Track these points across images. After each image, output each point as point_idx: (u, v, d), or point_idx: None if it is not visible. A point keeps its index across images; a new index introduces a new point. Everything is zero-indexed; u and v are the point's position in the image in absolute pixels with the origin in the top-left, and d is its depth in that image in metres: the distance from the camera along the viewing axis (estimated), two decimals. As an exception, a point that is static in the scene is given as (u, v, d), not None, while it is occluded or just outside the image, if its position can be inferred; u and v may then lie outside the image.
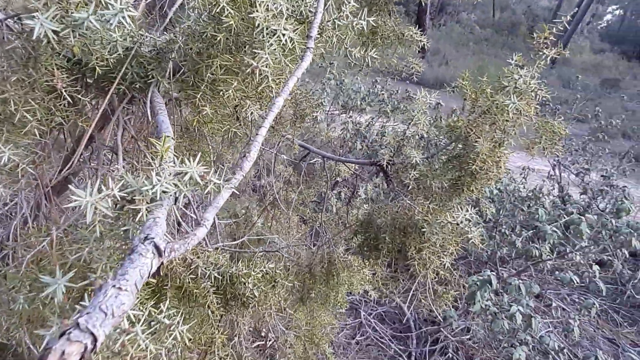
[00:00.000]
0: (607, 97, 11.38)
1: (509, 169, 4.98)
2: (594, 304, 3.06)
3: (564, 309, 4.05)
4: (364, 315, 3.35)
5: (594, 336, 4.07)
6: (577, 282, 2.80)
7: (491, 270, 4.26)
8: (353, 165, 1.32)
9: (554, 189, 5.19)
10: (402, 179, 0.87)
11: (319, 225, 1.32)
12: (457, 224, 0.76)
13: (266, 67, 0.71)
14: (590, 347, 3.90)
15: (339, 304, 1.21)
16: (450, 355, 3.24)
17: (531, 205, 3.77)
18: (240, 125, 0.98)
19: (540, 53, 0.84)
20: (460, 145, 0.88)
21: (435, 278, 0.98)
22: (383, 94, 4.82)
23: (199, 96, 0.81)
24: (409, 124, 0.83)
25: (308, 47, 0.73)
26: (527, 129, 0.85)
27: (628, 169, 6.23)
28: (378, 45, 1.06)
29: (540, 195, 3.38)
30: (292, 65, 0.76)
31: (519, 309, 2.44)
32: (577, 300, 4.23)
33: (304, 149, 1.06)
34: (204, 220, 0.63)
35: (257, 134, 0.70)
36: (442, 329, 3.09)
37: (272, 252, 1.38)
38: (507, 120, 0.79)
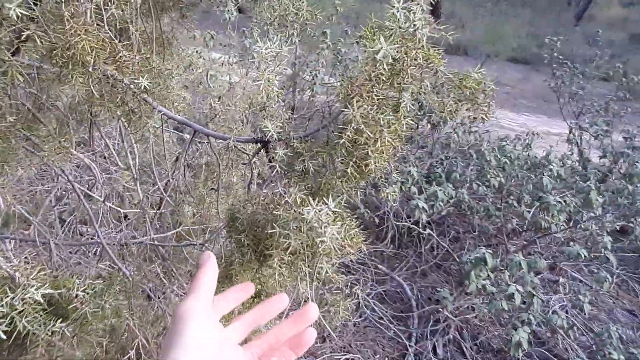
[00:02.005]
0: (637, 53, 10.52)
1: (519, 134, 4.59)
2: (607, 278, 2.77)
3: (580, 281, 3.76)
4: (362, 295, 3.16)
5: (612, 308, 3.78)
6: (586, 256, 2.52)
7: (499, 244, 3.99)
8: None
9: (572, 153, 4.79)
10: (271, 159, 0.65)
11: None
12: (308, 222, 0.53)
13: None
14: (608, 319, 3.62)
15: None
16: (451, 336, 3.03)
17: (542, 172, 3.43)
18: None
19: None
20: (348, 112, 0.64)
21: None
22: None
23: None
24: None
25: None
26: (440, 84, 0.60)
27: (656, 129, 5.71)
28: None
29: (549, 162, 3.06)
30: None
31: (517, 289, 2.20)
32: (595, 271, 3.91)
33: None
34: None
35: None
36: (441, 309, 2.87)
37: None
38: (380, 74, 0.54)
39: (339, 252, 0.55)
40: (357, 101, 0.57)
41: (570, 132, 4.82)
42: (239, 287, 0.64)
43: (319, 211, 0.53)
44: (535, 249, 3.64)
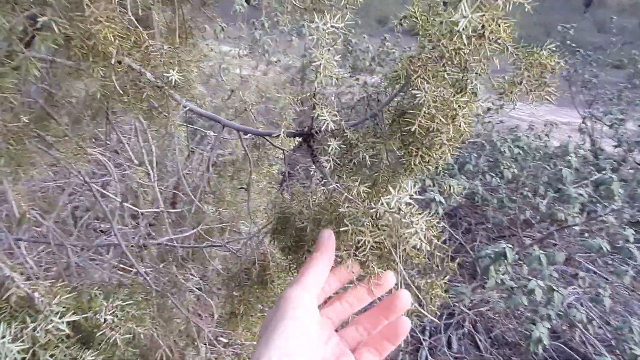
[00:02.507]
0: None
1: (532, 124, 4.49)
2: (629, 271, 2.69)
3: (594, 272, 3.68)
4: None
5: (627, 300, 3.70)
6: (608, 250, 2.43)
7: (512, 236, 3.91)
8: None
9: (584, 142, 4.68)
10: (322, 152, 0.57)
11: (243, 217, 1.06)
12: (398, 213, 0.45)
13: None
14: (624, 311, 3.54)
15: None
16: (466, 330, 2.97)
17: (557, 163, 3.34)
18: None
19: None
20: (405, 97, 0.57)
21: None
22: (394, 52, 4.36)
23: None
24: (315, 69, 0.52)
25: None
26: (503, 63, 0.52)
27: (669, 117, 5.58)
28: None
29: (566, 152, 2.96)
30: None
31: (538, 284, 2.12)
32: (610, 263, 3.83)
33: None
34: None
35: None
36: (457, 303, 2.81)
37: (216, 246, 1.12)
38: (459, 49, 0.47)
39: (427, 245, 0.48)
40: (423, 81, 0.50)
41: (582, 121, 4.70)
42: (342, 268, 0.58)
43: (399, 200, 0.46)
44: (550, 241, 3.56)
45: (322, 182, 0.62)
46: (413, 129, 0.50)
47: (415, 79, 0.50)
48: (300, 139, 0.61)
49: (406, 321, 0.54)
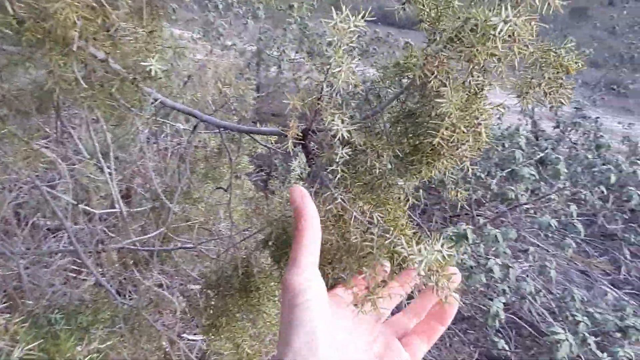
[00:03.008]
0: (576, 28, 10.89)
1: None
2: (572, 244, 2.85)
3: (538, 246, 3.89)
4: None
5: (567, 270, 3.95)
6: (556, 226, 2.56)
7: (466, 214, 4.04)
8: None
9: (527, 124, 4.90)
10: (327, 160, 0.51)
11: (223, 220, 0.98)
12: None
13: None
14: (564, 281, 3.78)
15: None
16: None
17: (506, 145, 3.45)
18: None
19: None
20: (414, 97, 0.51)
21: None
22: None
23: None
24: (327, 70, 0.44)
25: None
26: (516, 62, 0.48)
27: (598, 99, 5.96)
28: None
29: (516, 134, 3.06)
30: None
31: (496, 262, 2.19)
32: (552, 236, 4.06)
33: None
34: None
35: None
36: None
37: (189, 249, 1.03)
38: (493, 54, 0.42)
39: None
40: (441, 84, 0.44)
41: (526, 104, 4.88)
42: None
43: (431, 254, 0.41)
44: (501, 219, 3.71)
45: (319, 190, 0.55)
46: (435, 142, 0.45)
47: (431, 80, 0.44)
48: (294, 140, 0.54)
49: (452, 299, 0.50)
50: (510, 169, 2.68)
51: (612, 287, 3.75)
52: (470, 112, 0.45)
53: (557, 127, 4.66)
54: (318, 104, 0.48)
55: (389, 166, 0.53)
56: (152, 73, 0.45)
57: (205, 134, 1.08)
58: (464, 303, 3.41)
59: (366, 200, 0.53)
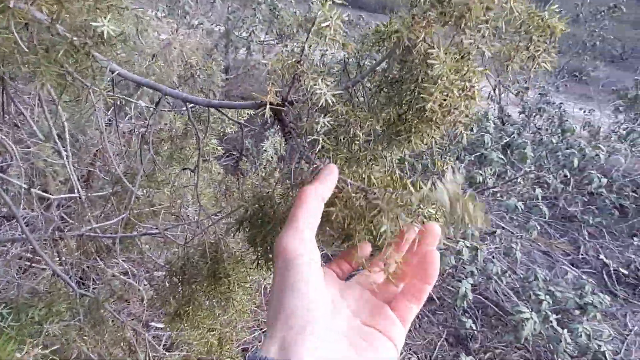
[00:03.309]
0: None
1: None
2: (536, 226, 2.94)
3: (504, 228, 4.00)
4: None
5: (530, 251, 4.08)
6: (522, 209, 2.62)
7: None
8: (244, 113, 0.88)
9: (494, 109, 4.99)
10: (307, 130, 0.47)
11: (191, 204, 0.92)
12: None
13: None
14: (528, 261, 3.90)
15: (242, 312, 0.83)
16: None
17: (474, 130, 3.50)
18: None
19: None
20: (398, 64, 0.48)
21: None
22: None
23: None
24: (310, 29, 0.40)
25: None
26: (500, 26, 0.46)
27: (561, 85, 6.13)
28: None
29: (485, 119, 3.10)
30: None
31: (465, 244, 2.23)
32: (517, 218, 4.18)
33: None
34: None
35: None
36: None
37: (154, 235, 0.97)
38: (488, 7, 0.39)
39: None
40: (430, 47, 0.41)
41: (494, 89, 4.98)
42: None
43: (451, 184, 0.38)
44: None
45: (295, 164, 0.51)
46: (428, 107, 0.42)
47: (419, 42, 0.41)
48: (269, 112, 0.50)
49: (435, 254, 0.49)
50: (479, 153, 2.72)
51: (571, 266, 3.91)
52: (462, 74, 0.42)
53: (523, 112, 4.77)
54: (298, 67, 0.43)
55: (372, 138, 0.50)
56: (105, 36, 0.39)
57: (171, 112, 1.01)
58: (433, 285, 3.48)
59: (351, 173, 0.50)
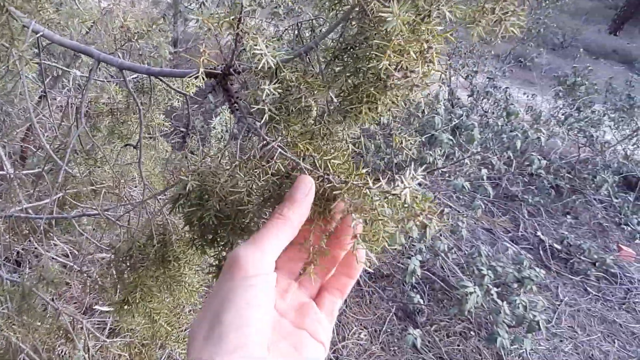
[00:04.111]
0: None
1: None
2: (481, 205, 3.07)
3: (451, 207, 4.15)
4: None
5: (474, 228, 4.28)
6: (469, 188, 2.72)
7: (388, 178, 4.18)
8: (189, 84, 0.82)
9: (445, 92, 5.12)
10: (252, 99, 0.43)
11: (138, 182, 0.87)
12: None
13: None
14: (472, 239, 4.09)
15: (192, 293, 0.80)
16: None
17: (426, 111, 3.58)
18: None
19: None
20: (354, 27, 0.45)
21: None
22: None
23: None
24: None
25: None
26: None
27: (508, 70, 6.38)
28: None
29: (436, 101, 3.17)
30: None
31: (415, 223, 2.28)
32: (463, 198, 4.35)
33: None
34: None
35: None
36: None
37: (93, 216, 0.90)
38: None
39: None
40: (382, 7, 0.38)
41: (445, 71, 5.09)
42: None
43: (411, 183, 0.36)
44: (420, 183, 3.88)
45: (243, 139, 0.48)
46: (381, 66, 0.38)
47: (372, 2, 0.38)
48: (213, 81, 0.46)
49: (361, 251, 0.48)
50: (429, 134, 2.78)
51: (512, 242, 4.14)
52: (420, 34, 0.40)
53: (471, 95, 4.92)
54: (238, 25, 0.39)
55: (327, 111, 0.48)
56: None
57: (113, 84, 0.93)
58: (384, 262, 3.57)
59: (307, 151, 0.47)
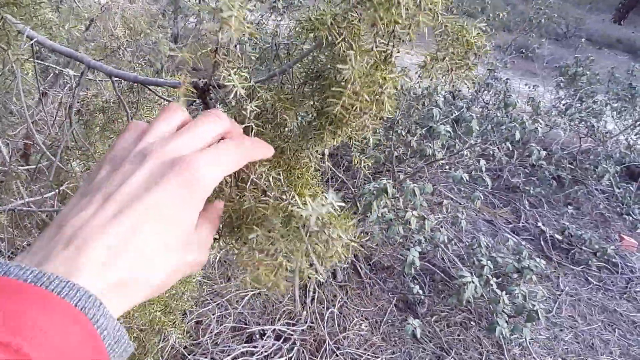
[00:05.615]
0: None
1: (406, 67, 4.73)
2: (480, 196, 3.09)
3: (451, 198, 4.18)
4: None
5: (475, 220, 4.30)
6: (467, 180, 2.74)
7: (388, 171, 4.20)
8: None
9: (445, 84, 5.11)
10: (236, 117, 0.46)
11: None
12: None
13: None
14: (473, 230, 4.11)
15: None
16: (349, 260, 3.16)
17: (426, 103, 3.59)
18: None
19: None
20: (323, 58, 0.48)
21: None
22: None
23: None
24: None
25: None
26: (427, 31, 0.47)
27: (509, 61, 6.36)
28: None
29: (435, 93, 3.18)
30: None
31: (413, 214, 2.32)
32: (463, 189, 4.37)
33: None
34: None
35: None
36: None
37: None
38: (396, 21, 0.39)
39: (346, 253, 0.40)
40: (348, 48, 0.41)
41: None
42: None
43: (320, 207, 0.37)
44: (420, 174, 3.90)
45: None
46: (335, 110, 0.42)
47: (339, 42, 0.41)
48: (196, 93, 0.49)
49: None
50: (428, 127, 2.80)
51: (512, 233, 4.16)
52: (375, 79, 0.43)
53: (472, 87, 4.92)
54: (214, 57, 0.43)
55: (296, 129, 0.51)
56: (11, -4, 0.37)
57: (102, 82, 0.97)
58: (384, 254, 3.61)
59: (276, 164, 0.50)
